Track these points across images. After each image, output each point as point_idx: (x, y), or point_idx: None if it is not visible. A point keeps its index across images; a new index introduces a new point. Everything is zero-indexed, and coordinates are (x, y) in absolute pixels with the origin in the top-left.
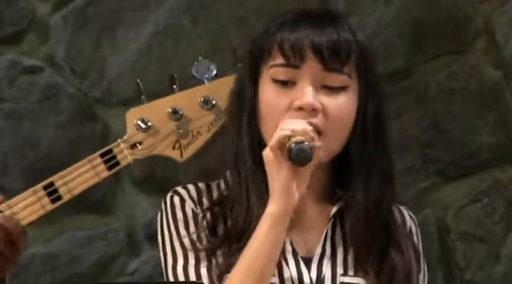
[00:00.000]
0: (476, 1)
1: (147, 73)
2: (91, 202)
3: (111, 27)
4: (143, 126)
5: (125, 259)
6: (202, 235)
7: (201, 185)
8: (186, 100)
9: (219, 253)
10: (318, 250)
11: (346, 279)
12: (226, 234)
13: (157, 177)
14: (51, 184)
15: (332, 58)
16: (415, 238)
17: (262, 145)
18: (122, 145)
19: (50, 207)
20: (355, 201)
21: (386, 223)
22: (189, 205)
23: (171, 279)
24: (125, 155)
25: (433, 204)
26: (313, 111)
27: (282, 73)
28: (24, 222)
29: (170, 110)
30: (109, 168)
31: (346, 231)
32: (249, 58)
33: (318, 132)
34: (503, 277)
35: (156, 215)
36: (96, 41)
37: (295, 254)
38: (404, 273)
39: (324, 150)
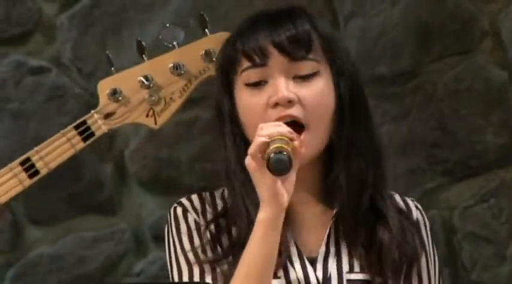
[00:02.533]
0: (482, 2)
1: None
2: (97, 202)
3: (117, 28)
4: (115, 95)
5: (131, 259)
6: (207, 247)
7: (204, 195)
8: (156, 67)
9: (224, 263)
10: (322, 249)
11: (352, 276)
12: (230, 245)
13: (163, 177)
14: (28, 159)
15: (294, 47)
16: (422, 227)
17: None
18: (96, 116)
19: (28, 182)
20: (338, 182)
21: (373, 202)
22: (192, 216)
23: None
24: (99, 125)
25: (439, 204)
26: (289, 102)
27: (251, 76)
28: (2, 199)
29: (141, 78)
30: (84, 139)
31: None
32: (219, 71)
33: (300, 125)
34: (509, 278)
35: (162, 216)
36: (102, 41)
37: (300, 255)
38: (395, 251)
39: (310, 143)
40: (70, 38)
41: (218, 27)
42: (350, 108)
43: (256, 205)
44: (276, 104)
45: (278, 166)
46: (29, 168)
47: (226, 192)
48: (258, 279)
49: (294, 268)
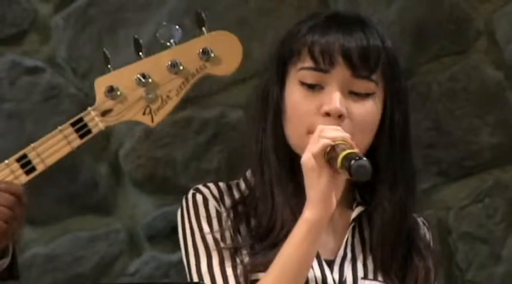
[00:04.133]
0: (477, 2)
1: None
2: (92, 202)
3: (112, 28)
4: (112, 93)
5: (125, 259)
6: (227, 234)
7: (221, 184)
8: (153, 65)
9: (243, 252)
10: (340, 253)
11: (366, 282)
12: (249, 234)
13: (158, 177)
14: (24, 156)
15: (361, 64)
16: (431, 244)
17: (286, 146)
18: (93, 113)
19: (23, 178)
20: (382, 207)
21: (409, 231)
22: (213, 203)
23: (195, 279)
24: (96, 122)
25: (434, 204)
26: (339, 117)
27: (310, 77)
28: None
29: (138, 76)
30: (81, 136)
31: (365, 236)
32: (276, 59)
33: None
34: (504, 278)
35: (157, 216)
36: (97, 41)
37: (318, 256)
38: (425, 280)
39: None
40: (65, 38)
41: (214, 27)
42: (401, 134)
43: (284, 198)
44: (327, 114)
45: (362, 171)
46: (26, 164)
47: (242, 184)
48: (292, 278)
49: (313, 268)
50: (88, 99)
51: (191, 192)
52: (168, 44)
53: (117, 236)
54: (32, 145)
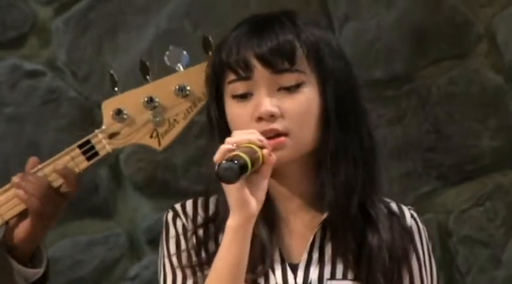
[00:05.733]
0: (477, 6)
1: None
2: (92, 206)
3: (112, 31)
4: (119, 116)
5: (126, 263)
6: (192, 251)
7: (200, 201)
8: (160, 89)
9: (208, 268)
10: (304, 256)
11: (333, 283)
12: (216, 250)
13: (158, 181)
14: None
15: (276, 60)
16: (415, 235)
17: None
18: (100, 136)
19: None
20: (324, 191)
21: (363, 208)
22: (181, 221)
23: None
24: (103, 145)
25: (434, 208)
26: (272, 117)
27: (237, 88)
28: (7, 216)
29: (145, 99)
30: (88, 159)
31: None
32: (208, 80)
33: (284, 134)
34: (505, 282)
35: (157, 220)
36: (97, 45)
37: (283, 262)
38: (385, 254)
39: (292, 147)
40: (65, 42)
41: (214, 30)
42: (337, 114)
43: None
44: (260, 118)
45: (225, 174)
46: None
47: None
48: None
49: (274, 275)
50: (88, 102)
51: (168, 210)
52: (177, 68)
53: (118, 240)
54: (39, 166)
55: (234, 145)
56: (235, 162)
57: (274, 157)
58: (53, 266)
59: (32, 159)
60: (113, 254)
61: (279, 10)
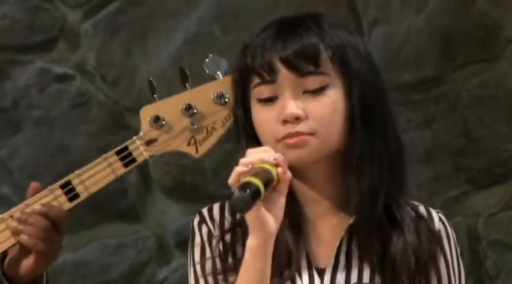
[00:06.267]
0: (506, 9)
1: (178, 82)
2: (121, 209)
3: (141, 35)
4: (157, 122)
5: (154, 266)
6: (217, 259)
7: (227, 204)
8: (199, 96)
9: (235, 274)
10: (331, 261)
11: None
12: (243, 256)
13: (186, 184)
14: (68, 182)
15: (301, 63)
16: (444, 238)
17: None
18: (138, 142)
19: (67, 205)
20: (350, 194)
21: (389, 211)
22: (206, 227)
23: None
24: (140, 152)
25: (463, 211)
26: (297, 119)
27: (262, 92)
28: None
29: (184, 106)
30: (125, 165)
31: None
32: (233, 84)
33: (310, 134)
34: None
35: (186, 223)
36: (126, 48)
37: (310, 266)
38: (411, 257)
39: (317, 148)
40: (94, 45)
41: (243, 34)
42: (362, 117)
43: None
44: (285, 121)
45: (237, 205)
46: (70, 191)
47: None
48: None
49: (301, 279)
50: (117, 107)
51: (196, 215)
52: (216, 76)
53: (146, 243)
54: (77, 172)
55: (249, 166)
56: (247, 190)
57: (289, 174)
58: (81, 270)
59: (33, 185)
60: (142, 257)
61: (305, 13)
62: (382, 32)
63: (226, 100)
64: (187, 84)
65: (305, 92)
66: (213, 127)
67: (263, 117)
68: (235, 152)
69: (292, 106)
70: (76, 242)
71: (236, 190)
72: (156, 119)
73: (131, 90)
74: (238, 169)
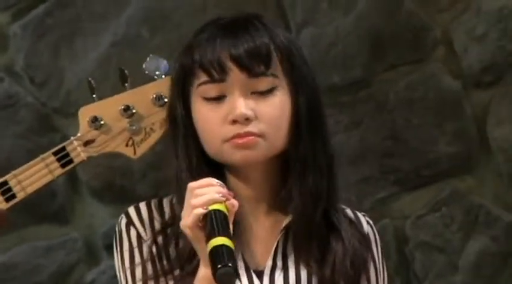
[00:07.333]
0: (435, 11)
1: (106, 83)
2: (50, 211)
3: (69, 37)
4: (95, 123)
5: (83, 268)
6: (148, 263)
7: (153, 203)
8: (138, 97)
9: (168, 278)
10: (269, 263)
11: None
12: (178, 256)
13: (115, 186)
14: (5, 183)
15: (252, 64)
16: (372, 242)
17: (213, 163)
18: (75, 143)
19: (3, 205)
20: (291, 197)
21: (326, 215)
22: (135, 230)
23: None
24: (78, 152)
25: (391, 213)
26: (246, 120)
27: (210, 90)
28: None
29: (122, 107)
30: (62, 166)
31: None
32: (175, 80)
33: (259, 135)
34: None
35: (114, 225)
36: (55, 50)
37: (247, 268)
38: (348, 262)
39: (266, 149)
40: (23, 47)
41: (172, 36)
42: (307, 121)
43: None
44: (234, 121)
45: (225, 281)
46: (6, 191)
47: (175, 199)
48: None
49: (240, 282)
50: (45, 109)
51: (121, 215)
52: (155, 76)
53: (75, 245)
54: (13, 172)
55: (205, 207)
56: (230, 264)
57: (236, 203)
58: (10, 271)
59: None
60: (70, 259)
61: (246, 13)
62: (310, 33)
63: (165, 101)
64: (126, 85)
65: (253, 93)
66: (151, 129)
67: (208, 116)
68: (164, 154)
69: (242, 106)
70: (5, 244)
71: (220, 266)
72: (94, 120)
73: (59, 91)
74: (197, 211)
